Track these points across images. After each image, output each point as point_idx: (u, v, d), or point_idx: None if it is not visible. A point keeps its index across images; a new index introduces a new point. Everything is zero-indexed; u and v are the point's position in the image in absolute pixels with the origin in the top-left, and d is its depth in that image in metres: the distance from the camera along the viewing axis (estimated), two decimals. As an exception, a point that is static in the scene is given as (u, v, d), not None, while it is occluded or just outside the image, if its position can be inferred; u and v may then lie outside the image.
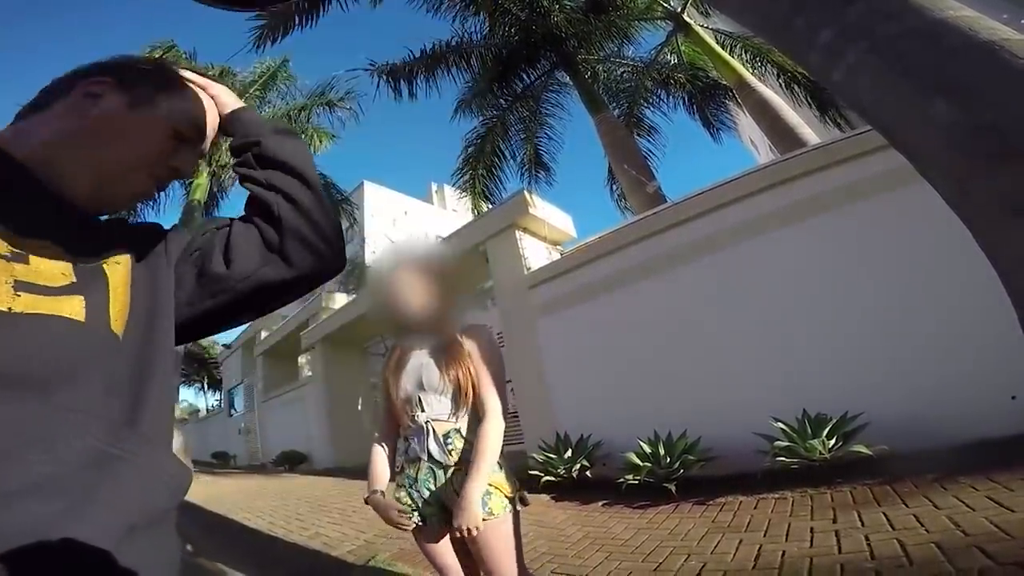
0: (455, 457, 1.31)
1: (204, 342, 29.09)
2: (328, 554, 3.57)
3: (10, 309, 0.41)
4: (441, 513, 1.32)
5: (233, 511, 5.97)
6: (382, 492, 1.39)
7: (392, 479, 1.45)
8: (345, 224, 11.74)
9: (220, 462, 17.07)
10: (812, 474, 3.16)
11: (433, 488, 1.32)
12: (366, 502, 1.40)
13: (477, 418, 1.35)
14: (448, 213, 25.14)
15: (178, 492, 0.49)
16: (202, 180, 10.18)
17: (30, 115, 0.61)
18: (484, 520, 1.23)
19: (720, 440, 3.81)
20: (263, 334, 14.90)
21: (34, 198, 0.54)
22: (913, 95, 1.21)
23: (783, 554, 2.24)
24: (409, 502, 1.33)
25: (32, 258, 0.47)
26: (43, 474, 0.35)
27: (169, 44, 9.40)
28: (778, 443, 3.36)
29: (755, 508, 2.99)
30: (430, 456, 1.31)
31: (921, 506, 2.40)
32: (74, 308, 0.46)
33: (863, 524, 2.38)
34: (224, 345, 21.65)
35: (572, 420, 5.02)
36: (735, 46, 9.07)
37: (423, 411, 1.34)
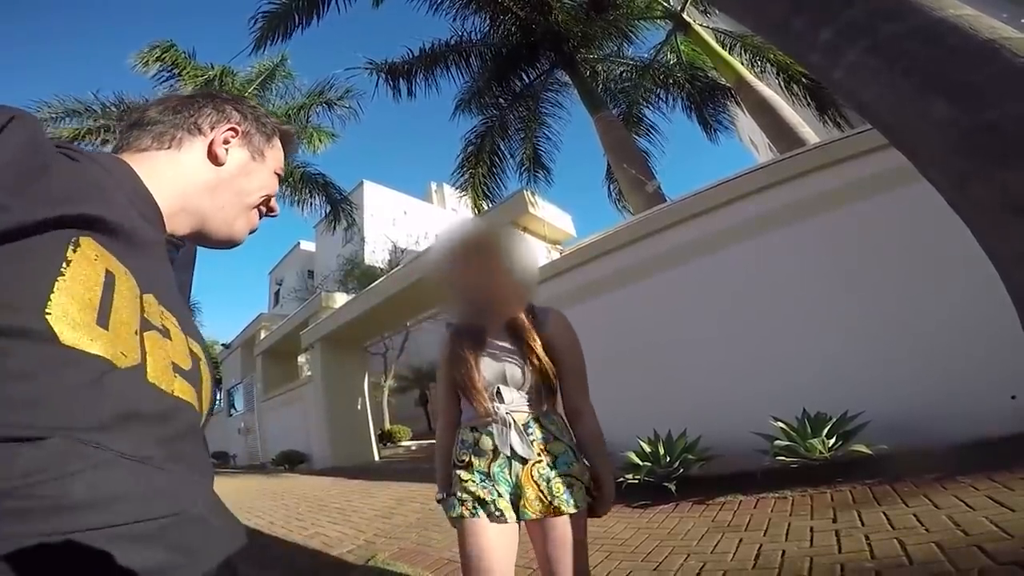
0: (537, 448, 1.23)
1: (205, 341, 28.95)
2: (328, 553, 3.57)
3: (173, 392, 0.47)
4: (512, 508, 1.21)
5: (233, 510, 5.95)
6: (447, 495, 1.31)
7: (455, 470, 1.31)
8: (344, 224, 11.74)
9: (220, 462, 17.05)
10: (812, 473, 3.16)
11: (510, 480, 1.23)
12: (438, 502, 1.34)
13: (555, 405, 1.33)
14: (448, 212, 25.16)
15: None
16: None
17: (151, 147, 0.59)
18: (571, 513, 1.18)
19: (720, 439, 3.80)
20: (263, 334, 14.89)
21: (165, 250, 0.57)
22: (913, 94, 1.20)
23: (783, 554, 2.24)
24: (483, 494, 1.21)
25: (171, 329, 0.51)
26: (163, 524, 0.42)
27: (168, 44, 9.36)
28: (778, 442, 3.36)
29: (755, 507, 2.99)
30: (512, 451, 1.23)
31: (921, 506, 2.40)
32: (194, 394, 0.52)
33: (863, 524, 2.37)
34: (224, 345, 21.60)
35: (572, 419, 5.00)
36: (735, 45, 9.07)
37: (502, 403, 1.25)
